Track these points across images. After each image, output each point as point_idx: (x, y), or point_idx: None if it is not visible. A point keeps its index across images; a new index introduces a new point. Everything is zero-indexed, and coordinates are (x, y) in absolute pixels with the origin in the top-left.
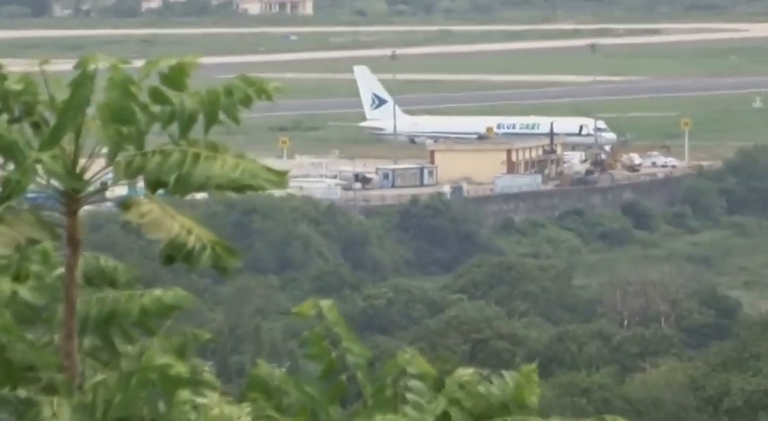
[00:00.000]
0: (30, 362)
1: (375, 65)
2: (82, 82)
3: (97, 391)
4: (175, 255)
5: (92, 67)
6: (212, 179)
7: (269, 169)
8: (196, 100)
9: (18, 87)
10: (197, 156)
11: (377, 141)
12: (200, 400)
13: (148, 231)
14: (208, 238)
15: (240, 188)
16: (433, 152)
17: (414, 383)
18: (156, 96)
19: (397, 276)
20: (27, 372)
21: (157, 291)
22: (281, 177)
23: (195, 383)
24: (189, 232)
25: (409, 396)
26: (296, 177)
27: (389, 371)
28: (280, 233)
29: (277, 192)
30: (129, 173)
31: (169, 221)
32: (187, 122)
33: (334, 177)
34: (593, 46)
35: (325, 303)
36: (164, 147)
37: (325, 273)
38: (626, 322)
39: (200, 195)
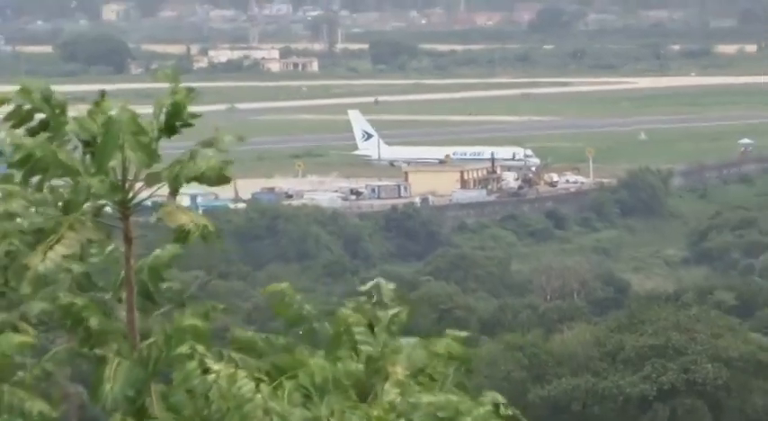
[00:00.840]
0: (103, 329)
1: (364, 109)
2: (108, 128)
3: (150, 350)
4: (179, 237)
5: (112, 114)
6: (191, 174)
7: (225, 162)
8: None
9: (75, 128)
10: (191, 165)
11: (366, 165)
12: (212, 365)
13: (168, 223)
14: (201, 223)
15: (209, 179)
16: (407, 173)
17: (358, 329)
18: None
19: (383, 264)
20: (101, 337)
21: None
22: (227, 165)
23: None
24: (192, 221)
25: (357, 337)
26: (309, 191)
27: (340, 322)
28: (298, 233)
29: (295, 203)
30: (153, 181)
31: (182, 216)
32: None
33: (336, 191)
34: (524, 94)
35: (284, 284)
36: (175, 164)
37: (332, 262)
38: (548, 297)
39: (241, 205)
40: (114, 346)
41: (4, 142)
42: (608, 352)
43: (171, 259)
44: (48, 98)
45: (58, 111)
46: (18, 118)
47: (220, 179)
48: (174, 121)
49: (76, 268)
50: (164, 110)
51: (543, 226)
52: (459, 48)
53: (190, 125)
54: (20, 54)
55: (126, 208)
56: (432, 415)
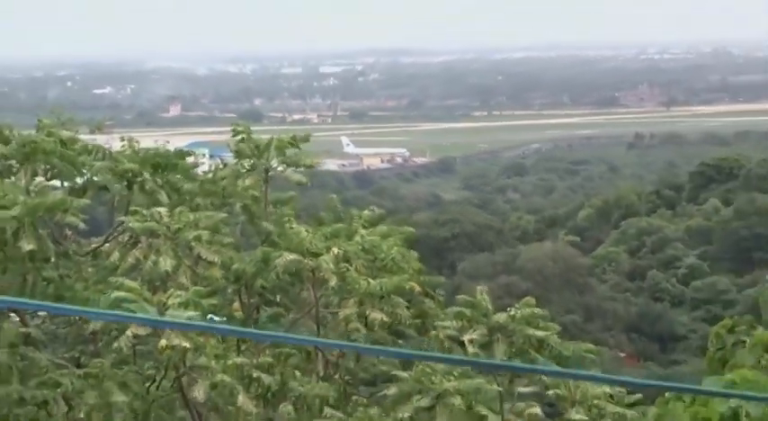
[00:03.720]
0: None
1: (348, 136)
2: (267, 144)
3: (273, 222)
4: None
5: (267, 140)
6: (290, 160)
7: (306, 156)
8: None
9: (254, 141)
10: (289, 157)
11: (347, 155)
12: (294, 225)
13: (294, 181)
14: (298, 178)
15: (294, 163)
16: (362, 158)
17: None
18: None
19: (352, 190)
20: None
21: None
22: (312, 161)
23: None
24: (295, 178)
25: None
26: (324, 164)
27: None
28: (318, 181)
29: (319, 169)
30: (282, 163)
31: (294, 176)
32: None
33: (335, 165)
34: (405, 131)
35: (334, 196)
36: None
37: (332, 190)
38: (413, 203)
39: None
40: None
41: (232, 143)
42: (438, 224)
43: (289, 197)
44: (246, 130)
45: (246, 135)
46: (242, 135)
47: (299, 164)
48: (290, 145)
49: (256, 193)
50: (287, 141)
51: (411, 176)
52: (380, 114)
53: (298, 147)
54: (226, 117)
55: (267, 170)
56: (370, 246)
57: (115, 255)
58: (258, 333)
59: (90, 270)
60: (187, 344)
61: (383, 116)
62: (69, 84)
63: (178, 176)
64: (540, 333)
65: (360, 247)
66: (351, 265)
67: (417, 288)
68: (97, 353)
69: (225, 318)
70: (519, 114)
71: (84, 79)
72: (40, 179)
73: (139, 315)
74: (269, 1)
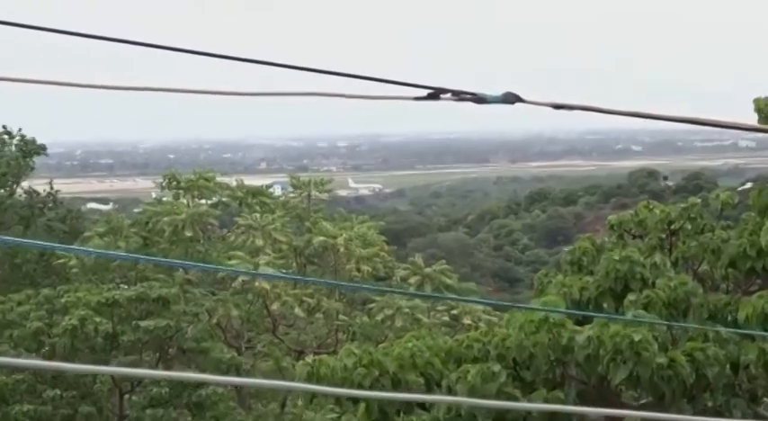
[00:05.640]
0: None
1: (350, 178)
2: (309, 182)
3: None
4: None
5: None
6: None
7: (328, 187)
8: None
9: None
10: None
11: (351, 188)
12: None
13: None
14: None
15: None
16: (358, 189)
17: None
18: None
19: (352, 205)
20: None
21: None
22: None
23: None
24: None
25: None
26: (338, 194)
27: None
28: (336, 202)
29: (337, 196)
30: (318, 190)
31: (323, 195)
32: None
33: (344, 193)
34: (381, 175)
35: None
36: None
37: (342, 207)
38: (382, 213)
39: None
40: None
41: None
42: (398, 222)
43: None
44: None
45: (296, 179)
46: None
47: (324, 190)
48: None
49: (303, 206)
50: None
51: (383, 199)
52: (367, 166)
53: (320, 185)
54: (288, 169)
55: (309, 195)
56: (362, 233)
57: (231, 238)
58: (303, 278)
59: (219, 246)
60: (267, 286)
61: (368, 167)
62: (210, 152)
63: (264, 198)
64: (447, 280)
65: (356, 234)
66: (352, 242)
67: (387, 255)
68: (224, 289)
69: (289, 271)
70: (439, 167)
71: (217, 149)
72: (194, 200)
73: (242, 268)
74: (305, 108)
